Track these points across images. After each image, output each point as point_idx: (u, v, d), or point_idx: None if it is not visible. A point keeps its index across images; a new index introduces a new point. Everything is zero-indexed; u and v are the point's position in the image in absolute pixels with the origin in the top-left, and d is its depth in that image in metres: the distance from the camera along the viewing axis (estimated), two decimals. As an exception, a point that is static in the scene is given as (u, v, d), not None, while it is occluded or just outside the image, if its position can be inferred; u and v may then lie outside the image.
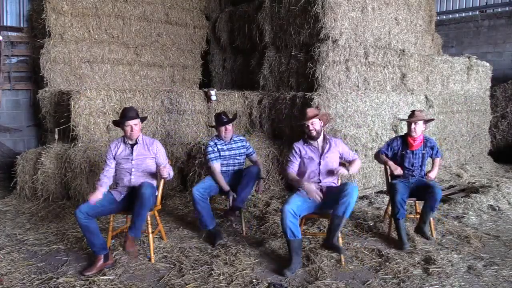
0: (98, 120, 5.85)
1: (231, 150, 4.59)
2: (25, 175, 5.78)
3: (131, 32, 7.54)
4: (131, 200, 3.75)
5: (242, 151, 4.66)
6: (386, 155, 4.46)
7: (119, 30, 7.41)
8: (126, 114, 3.80)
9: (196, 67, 8.46)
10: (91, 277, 3.44)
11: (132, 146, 3.87)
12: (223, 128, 4.55)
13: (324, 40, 6.09)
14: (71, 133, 5.74)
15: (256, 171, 4.48)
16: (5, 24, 7.55)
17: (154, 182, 3.96)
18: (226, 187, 4.39)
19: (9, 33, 7.51)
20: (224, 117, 4.58)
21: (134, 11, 7.52)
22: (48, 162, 5.65)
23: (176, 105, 6.47)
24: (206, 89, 6.83)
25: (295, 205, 3.65)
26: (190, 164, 6.16)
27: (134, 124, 3.80)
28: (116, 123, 3.94)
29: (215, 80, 8.56)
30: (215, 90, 6.81)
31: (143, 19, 7.66)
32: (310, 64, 6.18)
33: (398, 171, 4.29)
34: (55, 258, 3.86)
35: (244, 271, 3.58)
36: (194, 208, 4.36)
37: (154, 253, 3.80)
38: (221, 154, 4.53)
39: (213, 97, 6.67)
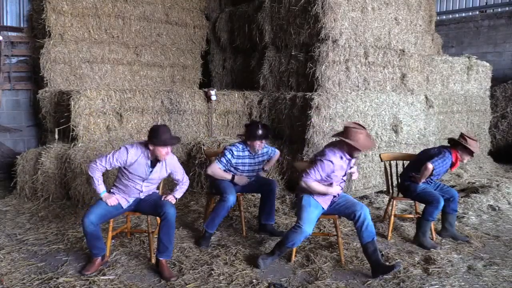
0: (98, 120, 5.85)
1: (253, 165, 4.45)
2: (25, 175, 5.78)
3: (131, 32, 7.53)
4: (137, 202, 3.79)
5: (262, 160, 4.54)
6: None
7: (119, 30, 7.41)
8: (163, 137, 3.49)
9: (196, 67, 8.46)
10: (91, 277, 3.44)
11: (153, 163, 3.64)
12: (258, 142, 4.29)
13: (324, 40, 6.09)
14: (71, 133, 5.73)
15: (274, 187, 4.53)
16: (5, 24, 7.54)
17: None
18: (229, 177, 4.32)
19: (9, 33, 7.51)
20: (261, 131, 4.26)
21: (134, 11, 7.51)
22: (48, 162, 5.65)
23: (176, 105, 6.47)
24: (206, 89, 6.82)
25: (313, 225, 3.62)
26: (190, 164, 6.16)
27: (170, 147, 3.60)
28: (151, 140, 3.52)
29: (215, 80, 8.56)
30: (215, 90, 6.81)
31: (143, 19, 7.66)
32: (310, 64, 6.18)
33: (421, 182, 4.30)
34: (55, 258, 3.86)
35: (244, 271, 3.58)
36: (211, 207, 4.38)
37: (154, 253, 3.79)
38: (242, 164, 4.38)
39: (213, 97, 6.66)
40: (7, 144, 7.63)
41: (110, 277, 3.46)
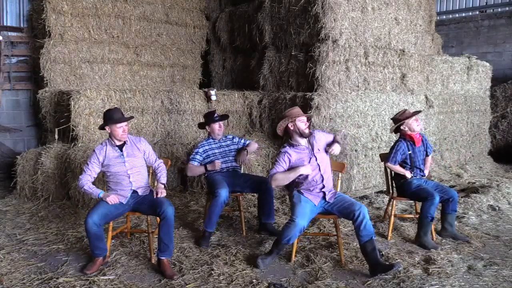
0: (98, 120, 5.84)
1: (220, 148, 4.65)
2: (25, 175, 5.78)
3: (131, 32, 7.53)
4: (136, 201, 3.79)
5: (232, 147, 4.71)
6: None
7: (119, 30, 7.41)
8: (115, 116, 3.73)
9: (196, 67, 8.46)
10: (91, 277, 3.44)
11: (120, 147, 3.80)
12: (216, 125, 4.62)
13: (324, 40, 6.09)
14: (71, 133, 5.73)
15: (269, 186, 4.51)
16: (5, 24, 7.54)
17: (148, 179, 3.97)
18: (202, 169, 4.54)
19: (9, 33, 7.51)
20: (217, 115, 4.68)
21: (134, 11, 7.51)
22: (48, 162, 5.65)
23: (176, 105, 6.47)
24: (206, 89, 6.82)
25: (307, 218, 3.62)
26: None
27: (125, 125, 3.78)
28: (104, 126, 3.78)
29: (215, 80, 8.56)
30: (215, 90, 6.81)
31: (143, 19, 7.66)
32: (310, 64, 6.18)
33: (408, 174, 4.36)
34: (55, 258, 3.86)
35: (244, 271, 3.58)
36: (209, 206, 4.35)
37: (154, 253, 3.80)
38: (212, 154, 4.61)
39: (213, 97, 6.66)
40: (7, 144, 7.63)
41: (110, 277, 3.46)
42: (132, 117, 4.07)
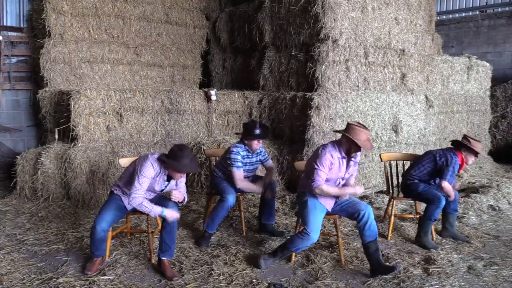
0: (98, 120, 5.85)
1: (252, 165, 4.44)
2: (25, 175, 5.78)
3: (131, 32, 7.53)
4: None
5: (258, 159, 4.50)
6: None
7: (119, 30, 7.41)
8: (183, 161, 3.37)
9: (196, 67, 8.46)
10: (91, 277, 3.44)
11: (168, 177, 3.60)
12: (256, 141, 4.28)
13: (324, 40, 6.09)
14: (71, 133, 5.74)
15: (274, 187, 4.46)
16: (5, 24, 7.54)
17: None
18: (259, 189, 4.32)
19: (9, 33, 7.51)
20: (259, 130, 4.26)
21: (134, 11, 7.51)
22: (48, 162, 5.65)
23: (176, 105, 6.47)
24: (206, 89, 6.83)
25: (320, 226, 3.55)
26: (190, 164, 6.15)
27: None
28: (170, 162, 3.40)
29: (215, 80, 8.56)
30: (215, 90, 6.81)
31: (143, 19, 7.66)
32: (310, 64, 6.18)
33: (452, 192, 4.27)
34: (55, 258, 3.86)
35: (244, 271, 3.58)
36: (215, 207, 4.29)
37: (154, 253, 3.80)
38: (244, 163, 4.35)
39: (213, 97, 6.67)
40: (7, 144, 7.63)
41: (110, 277, 3.46)
42: (196, 169, 3.66)
